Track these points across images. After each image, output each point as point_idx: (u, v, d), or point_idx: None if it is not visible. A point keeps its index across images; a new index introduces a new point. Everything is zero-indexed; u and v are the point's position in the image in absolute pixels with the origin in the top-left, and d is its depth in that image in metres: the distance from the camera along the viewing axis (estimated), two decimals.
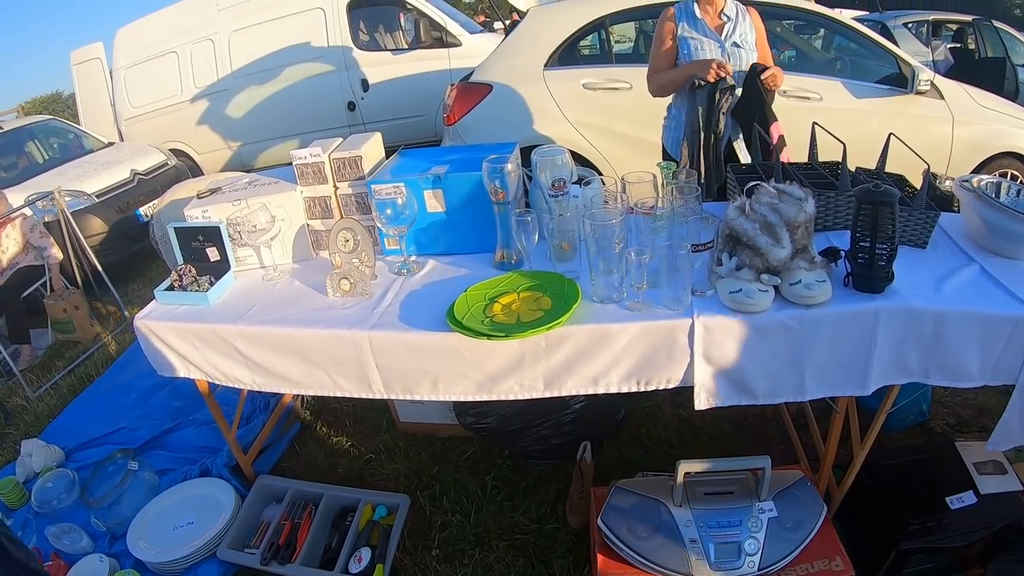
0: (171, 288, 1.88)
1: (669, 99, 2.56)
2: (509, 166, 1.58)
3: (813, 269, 1.34)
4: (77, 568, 1.96)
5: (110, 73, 6.14)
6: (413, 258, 1.83)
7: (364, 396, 1.62)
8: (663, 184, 1.73)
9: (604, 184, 1.82)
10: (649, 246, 1.45)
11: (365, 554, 1.84)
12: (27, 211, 3.58)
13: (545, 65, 3.66)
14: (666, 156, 2.61)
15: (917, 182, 1.62)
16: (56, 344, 3.54)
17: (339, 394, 1.65)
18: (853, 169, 1.73)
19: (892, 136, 1.69)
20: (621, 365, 1.40)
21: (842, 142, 1.63)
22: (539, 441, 2.14)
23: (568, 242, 1.65)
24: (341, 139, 1.98)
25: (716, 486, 1.48)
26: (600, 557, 1.48)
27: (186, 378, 1.81)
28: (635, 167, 2.05)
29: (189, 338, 1.75)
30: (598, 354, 1.39)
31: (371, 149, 1.91)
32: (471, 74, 3.89)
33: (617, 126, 3.61)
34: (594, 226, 1.36)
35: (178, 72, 5.94)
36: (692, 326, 1.34)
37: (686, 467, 1.43)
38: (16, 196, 3.77)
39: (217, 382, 1.82)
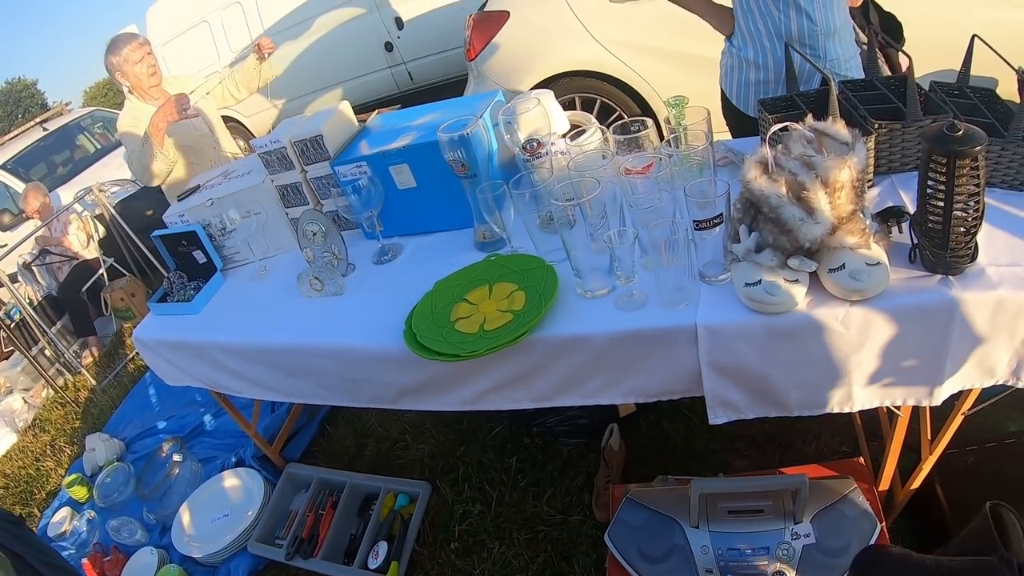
0: (163, 298, 1.83)
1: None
2: (468, 131, 1.33)
3: (863, 246, 0.98)
4: (132, 561, 2.08)
5: None
6: (392, 242, 1.65)
7: (347, 405, 1.50)
8: (677, 129, 1.36)
9: (606, 133, 1.48)
10: (653, 219, 1.11)
11: (382, 548, 1.80)
12: (78, 207, 3.72)
13: None
14: (729, 107, 1.78)
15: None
16: (120, 331, 3.74)
17: (326, 403, 1.55)
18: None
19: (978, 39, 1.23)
20: (611, 377, 1.16)
21: (907, 55, 1.21)
22: (566, 421, 1.97)
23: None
24: (311, 115, 1.80)
25: (742, 501, 1.24)
26: (610, 573, 1.32)
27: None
28: (691, 91, 1.63)
29: (181, 352, 1.71)
30: (579, 365, 1.16)
31: (336, 123, 1.71)
32: (487, 2, 3.50)
33: (658, 41, 3.06)
34: (557, 205, 1.10)
35: (212, 40, 5.89)
36: (696, 332, 1.06)
37: (700, 488, 1.21)
38: (68, 193, 3.91)
39: (217, 391, 1.78)
